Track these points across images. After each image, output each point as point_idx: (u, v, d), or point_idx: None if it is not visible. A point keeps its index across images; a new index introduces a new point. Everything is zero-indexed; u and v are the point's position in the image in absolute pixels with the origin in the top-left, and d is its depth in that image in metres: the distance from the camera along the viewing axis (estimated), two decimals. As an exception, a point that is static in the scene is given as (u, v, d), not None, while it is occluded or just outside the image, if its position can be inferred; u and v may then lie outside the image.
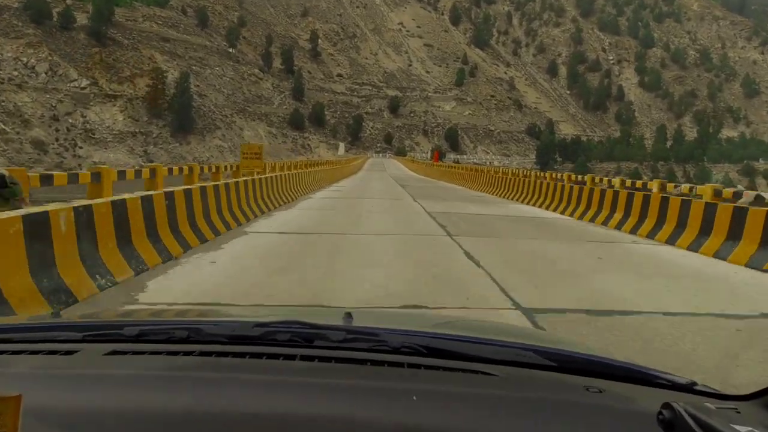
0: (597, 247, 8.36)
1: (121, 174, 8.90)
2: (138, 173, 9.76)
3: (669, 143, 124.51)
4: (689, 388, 0.88)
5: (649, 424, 0.64)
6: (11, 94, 64.57)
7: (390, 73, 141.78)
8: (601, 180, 17.13)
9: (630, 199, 10.43)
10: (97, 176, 7.27)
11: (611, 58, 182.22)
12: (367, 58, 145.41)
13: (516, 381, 0.86)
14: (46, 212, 4.16)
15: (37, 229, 4.01)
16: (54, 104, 67.04)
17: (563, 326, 4.16)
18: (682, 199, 9.10)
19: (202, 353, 0.91)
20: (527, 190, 16.86)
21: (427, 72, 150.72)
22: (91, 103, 71.54)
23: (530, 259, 7.16)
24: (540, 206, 15.01)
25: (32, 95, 66.07)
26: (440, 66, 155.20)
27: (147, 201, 5.82)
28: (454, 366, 0.89)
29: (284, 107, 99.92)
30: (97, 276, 4.64)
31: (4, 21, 73.89)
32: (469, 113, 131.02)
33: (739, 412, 0.65)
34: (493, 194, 20.42)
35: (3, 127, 59.84)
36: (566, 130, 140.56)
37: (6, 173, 5.61)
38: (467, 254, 7.08)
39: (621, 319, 4.50)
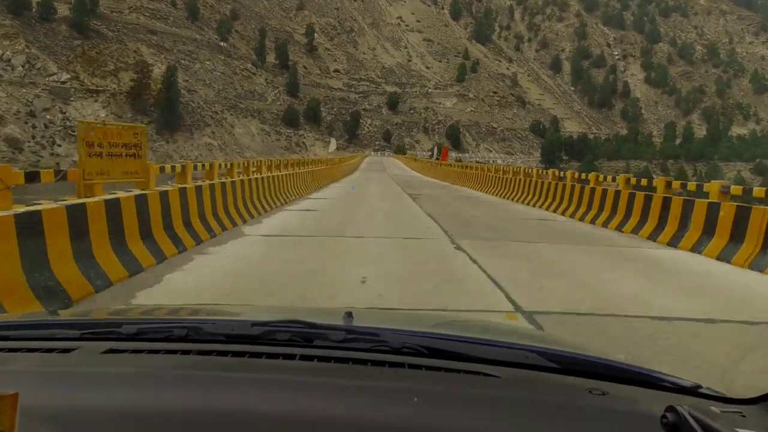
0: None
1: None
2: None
3: (678, 141, 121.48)
4: (694, 391, 0.88)
5: (652, 427, 0.64)
6: (-16, 89, 61.28)
7: (389, 69, 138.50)
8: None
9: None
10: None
11: (616, 53, 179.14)
12: (364, 53, 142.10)
13: (518, 383, 0.86)
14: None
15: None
16: (31, 99, 63.62)
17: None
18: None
19: (201, 352, 0.91)
20: (587, 202, 12.07)
21: (427, 67, 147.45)
22: (72, 99, 68.18)
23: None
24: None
25: (7, 90, 62.63)
26: (440, 61, 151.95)
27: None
28: (455, 367, 0.89)
29: (278, 103, 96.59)
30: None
31: (-22, 11, 70.60)
32: (471, 110, 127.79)
33: (744, 416, 0.65)
34: (550, 210, 13.71)
35: (-27, 123, 56.62)
36: (571, 127, 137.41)
37: None
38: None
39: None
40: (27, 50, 67.88)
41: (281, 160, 17.82)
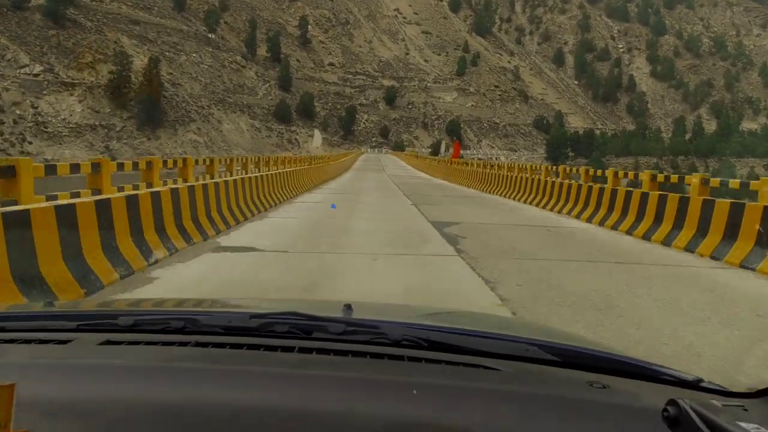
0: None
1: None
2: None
3: (688, 136, 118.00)
4: (695, 385, 0.88)
5: (654, 420, 0.64)
6: (-55, 81, 57.20)
7: (386, 62, 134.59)
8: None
9: None
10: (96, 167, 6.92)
11: (621, 46, 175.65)
12: (360, 46, 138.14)
13: (519, 376, 0.87)
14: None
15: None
16: (-2, 93, 59.43)
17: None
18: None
19: (198, 344, 0.91)
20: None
21: (426, 61, 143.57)
22: (45, 92, 64.05)
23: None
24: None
25: (-28, 82, 58.58)
26: (440, 55, 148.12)
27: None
28: (455, 360, 0.89)
29: (269, 98, 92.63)
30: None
31: (-57, -2, 66.50)
32: (472, 105, 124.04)
33: (746, 410, 0.65)
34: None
35: (-68, 118, 52.59)
36: (575, 122, 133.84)
37: None
38: None
39: None
40: (-5, 40, 63.73)
41: (247, 158, 13.78)
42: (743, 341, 3.81)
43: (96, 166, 7.20)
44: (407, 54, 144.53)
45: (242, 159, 14.22)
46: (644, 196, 9.08)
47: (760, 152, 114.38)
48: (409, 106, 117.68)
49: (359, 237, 8.18)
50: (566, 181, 13.32)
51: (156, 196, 6.37)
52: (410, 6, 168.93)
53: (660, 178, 9.97)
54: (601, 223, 10.26)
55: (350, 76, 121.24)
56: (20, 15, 71.14)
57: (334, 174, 26.76)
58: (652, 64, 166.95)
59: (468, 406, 0.73)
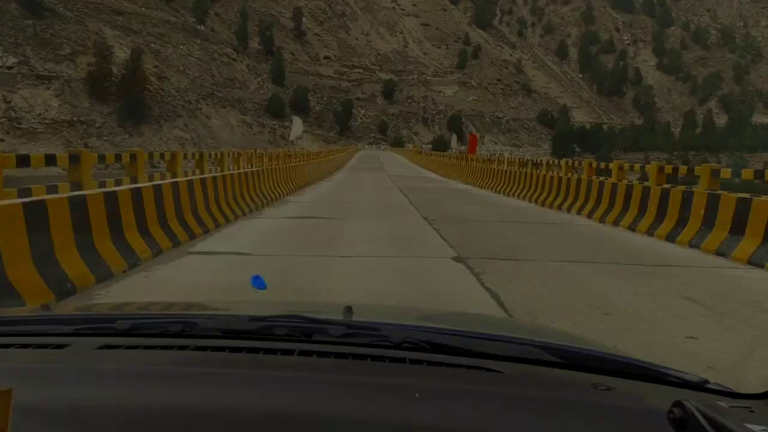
0: None
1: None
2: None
3: (698, 130, 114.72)
4: (701, 386, 0.87)
5: (659, 422, 0.64)
6: None
7: (384, 55, 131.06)
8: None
9: None
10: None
11: (626, 38, 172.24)
12: (357, 39, 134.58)
13: (522, 378, 0.86)
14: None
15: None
16: (-34, 87, 55.90)
17: None
18: None
19: (198, 348, 0.90)
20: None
21: (425, 54, 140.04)
22: (18, 86, 60.48)
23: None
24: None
25: (-63, 75, 55.06)
26: (439, 47, 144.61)
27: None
28: (457, 362, 0.88)
29: (261, 92, 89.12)
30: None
31: None
32: (474, 99, 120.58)
33: (752, 411, 0.65)
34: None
35: None
36: (580, 117, 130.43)
37: None
38: None
39: None
40: (-37, 30, 60.15)
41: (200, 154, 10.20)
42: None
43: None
44: (406, 47, 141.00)
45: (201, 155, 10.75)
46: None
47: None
48: (408, 101, 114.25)
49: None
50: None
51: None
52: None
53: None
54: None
55: (347, 69, 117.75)
56: (-6, 4, 67.56)
57: (318, 176, 20.63)
58: (659, 57, 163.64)
59: (471, 409, 0.73)
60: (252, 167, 12.74)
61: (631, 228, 9.03)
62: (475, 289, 5.02)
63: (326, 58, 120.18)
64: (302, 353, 0.88)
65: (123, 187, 6.25)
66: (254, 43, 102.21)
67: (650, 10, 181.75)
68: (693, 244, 7.40)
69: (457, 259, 6.36)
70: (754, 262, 6.47)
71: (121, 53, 69.97)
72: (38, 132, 57.48)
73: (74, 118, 60.42)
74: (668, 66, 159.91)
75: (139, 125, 64.12)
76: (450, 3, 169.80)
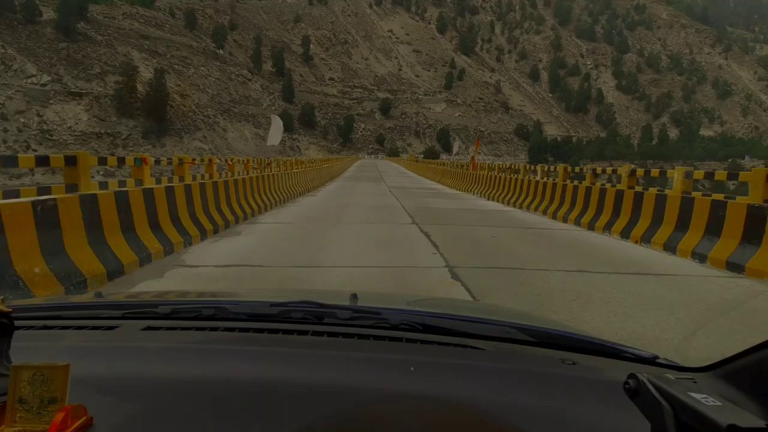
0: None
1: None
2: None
3: (654, 142, 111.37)
4: (652, 361, 0.88)
5: (616, 392, 0.65)
6: (-54, 90, 49.71)
7: (381, 77, 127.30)
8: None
9: None
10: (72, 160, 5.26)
11: (589, 63, 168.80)
12: (358, 63, 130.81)
13: (501, 355, 0.87)
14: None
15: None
16: (2, 101, 51.72)
17: None
18: None
19: (226, 329, 0.91)
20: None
21: (417, 76, 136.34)
22: (51, 101, 56.43)
23: None
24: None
25: (-26, 92, 50.96)
26: (429, 70, 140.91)
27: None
28: (447, 341, 0.89)
29: (273, 108, 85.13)
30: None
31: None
32: (459, 114, 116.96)
33: (695, 382, 0.65)
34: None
35: (-71, 126, 45.27)
36: (550, 130, 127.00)
37: None
38: None
39: None
40: (1, 50, 56.00)
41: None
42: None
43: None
44: (400, 70, 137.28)
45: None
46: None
47: (721, 156, 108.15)
48: (403, 116, 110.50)
49: None
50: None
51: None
52: (402, 28, 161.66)
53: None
54: None
55: (349, 89, 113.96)
56: (31, 28, 63.57)
57: (307, 187, 15.17)
58: (617, 79, 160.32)
59: (457, 381, 0.73)
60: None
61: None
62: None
63: (331, 79, 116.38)
64: (315, 333, 0.89)
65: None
66: (267, 66, 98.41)
67: (610, 39, 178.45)
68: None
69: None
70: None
71: (147, 73, 66.09)
72: (68, 143, 53.55)
73: (102, 131, 56.52)
74: (626, 87, 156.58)
75: (161, 137, 60.22)
76: (438, 33, 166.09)
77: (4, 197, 4.24)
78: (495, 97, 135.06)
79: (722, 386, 0.65)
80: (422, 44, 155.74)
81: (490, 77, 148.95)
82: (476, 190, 15.95)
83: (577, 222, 8.67)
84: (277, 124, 12.80)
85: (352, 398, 0.67)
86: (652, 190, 7.37)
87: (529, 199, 11.27)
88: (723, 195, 6.35)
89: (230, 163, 10.55)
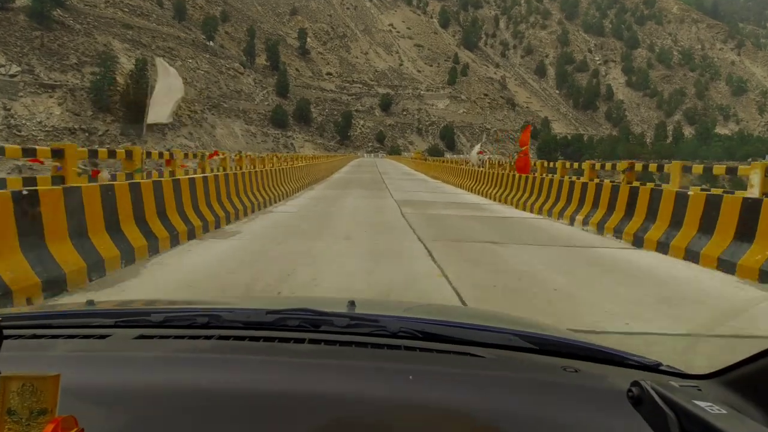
0: None
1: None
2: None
3: (668, 141, 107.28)
4: (655, 369, 0.87)
5: (619, 400, 0.64)
6: None
7: (381, 72, 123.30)
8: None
9: None
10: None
11: (598, 58, 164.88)
12: (357, 57, 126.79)
13: (501, 362, 0.86)
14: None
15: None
16: (-38, 94, 47.61)
17: None
18: None
19: (221, 337, 0.90)
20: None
21: (419, 71, 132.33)
22: (20, 94, 52.23)
23: None
24: None
25: (-68, 82, 46.80)
26: (431, 65, 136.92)
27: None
28: (446, 349, 0.88)
29: (266, 104, 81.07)
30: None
31: None
32: (464, 111, 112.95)
33: (700, 390, 0.65)
34: None
35: None
36: (558, 128, 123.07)
37: None
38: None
39: None
40: (-37, 38, 51.93)
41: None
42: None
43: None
44: (401, 65, 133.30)
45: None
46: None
47: (740, 155, 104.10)
48: (404, 113, 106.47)
49: None
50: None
51: None
52: (403, 22, 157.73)
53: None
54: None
55: (347, 84, 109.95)
56: (2, 15, 59.43)
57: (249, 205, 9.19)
58: (627, 75, 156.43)
59: (457, 390, 0.72)
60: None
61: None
62: None
63: (328, 74, 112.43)
64: (312, 341, 0.88)
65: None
66: (261, 60, 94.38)
67: (619, 34, 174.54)
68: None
69: None
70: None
71: (129, 65, 62.02)
72: (38, 139, 49.45)
73: (76, 126, 52.44)
74: (636, 83, 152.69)
75: (142, 133, 56.07)
76: (440, 27, 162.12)
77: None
78: (500, 93, 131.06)
79: (727, 394, 0.63)
80: (424, 39, 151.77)
81: (495, 73, 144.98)
82: (562, 210, 9.42)
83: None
84: (166, 82, 7.79)
85: (349, 407, 0.66)
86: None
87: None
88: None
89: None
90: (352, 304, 1.09)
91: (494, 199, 13.08)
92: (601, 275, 4.88)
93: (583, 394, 0.74)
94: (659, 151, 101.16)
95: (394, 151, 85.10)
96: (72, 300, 3.62)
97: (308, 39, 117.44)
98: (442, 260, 5.16)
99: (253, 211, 9.16)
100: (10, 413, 0.53)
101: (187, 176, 7.27)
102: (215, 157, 10.57)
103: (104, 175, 6.74)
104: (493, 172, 14.89)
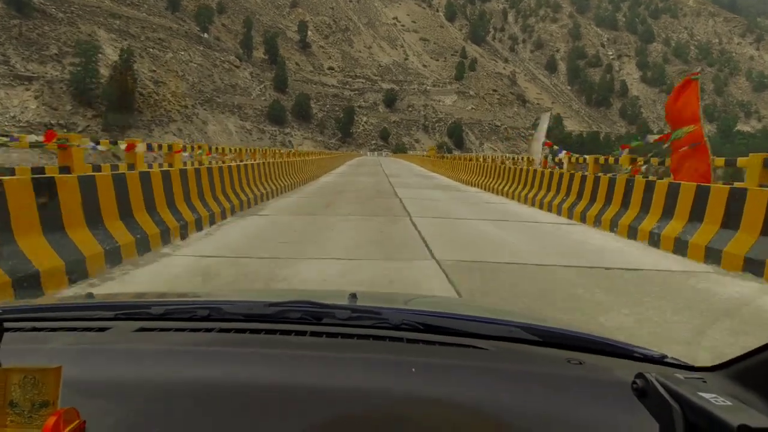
0: None
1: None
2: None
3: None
4: (660, 361, 0.87)
5: (624, 392, 0.64)
6: None
7: (385, 67, 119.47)
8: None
9: None
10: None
11: (611, 53, 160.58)
12: (360, 51, 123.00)
13: (505, 355, 0.86)
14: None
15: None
16: (-74, 85, 44.02)
17: None
18: None
19: (222, 330, 0.91)
20: None
21: (425, 66, 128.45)
22: (-8, 86, 48.56)
23: None
24: None
25: None
26: (438, 60, 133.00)
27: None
28: (449, 341, 0.88)
29: (263, 99, 77.36)
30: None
31: None
32: (472, 107, 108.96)
33: (705, 382, 0.66)
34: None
35: None
36: (571, 126, 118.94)
37: None
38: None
39: None
40: (-69, 25, 48.40)
41: None
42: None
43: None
44: (406, 59, 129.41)
45: None
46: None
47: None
48: (409, 109, 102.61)
49: None
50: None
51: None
52: (408, 15, 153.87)
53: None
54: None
55: (350, 79, 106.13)
56: (-24, 2, 55.95)
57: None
58: (642, 70, 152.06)
59: (460, 383, 0.73)
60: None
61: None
62: None
63: (330, 68, 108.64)
64: (313, 334, 0.89)
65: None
66: (259, 53, 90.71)
67: (632, 28, 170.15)
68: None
69: None
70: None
71: (114, 56, 58.43)
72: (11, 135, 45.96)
73: (53, 122, 48.82)
74: (652, 79, 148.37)
75: (127, 130, 52.43)
76: (447, 21, 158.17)
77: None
78: (510, 89, 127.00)
79: (732, 386, 0.64)
80: (430, 32, 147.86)
81: (504, 68, 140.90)
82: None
83: None
84: None
85: (352, 400, 0.67)
86: None
87: None
88: None
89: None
90: (353, 296, 1.09)
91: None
92: None
93: (587, 386, 0.75)
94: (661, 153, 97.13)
95: (400, 149, 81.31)
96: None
97: (309, 32, 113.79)
98: None
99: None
100: (12, 405, 0.54)
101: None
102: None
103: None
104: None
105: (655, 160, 9.78)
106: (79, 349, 0.82)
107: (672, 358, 0.88)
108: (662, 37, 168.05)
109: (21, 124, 47.45)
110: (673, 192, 6.41)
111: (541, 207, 10.31)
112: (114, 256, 4.49)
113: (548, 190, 10.56)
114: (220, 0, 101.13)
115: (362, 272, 4.45)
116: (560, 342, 0.91)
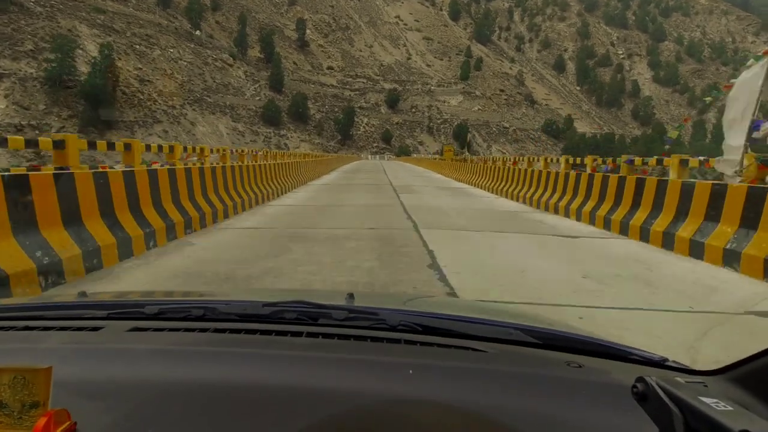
0: None
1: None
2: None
3: (708, 140, 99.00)
4: (661, 364, 0.87)
5: (624, 396, 0.64)
6: None
7: (387, 66, 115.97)
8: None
9: None
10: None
11: (621, 52, 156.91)
12: (361, 51, 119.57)
13: (503, 357, 0.85)
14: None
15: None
16: None
17: None
18: None
19: (216, 330, 0.90)
20: None
21: (428, 65, 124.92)
22: (-42, 84, 44.90)
23: None
24: None
25: None
26: (442, 59, 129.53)
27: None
28: (447, 343, 0.88)
29: (258, 99, 73.66)
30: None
31: None
32: (479, 108, 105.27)
33: (706, 386, 0.65)
34: None
35: None
36: (581, 127, 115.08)
37: None
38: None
39: None
40: None
41: None
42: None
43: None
44: (409, 59, 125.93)
45: None
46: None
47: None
48: (413, 110, 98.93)
49: None
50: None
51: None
52: (411, 14, 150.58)
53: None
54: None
55: (350, 79, 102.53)
56: (-55, -5, 52.49)
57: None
58: (654, 70, 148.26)
59: (458, 385, 0.72)
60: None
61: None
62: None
63: (329, 68, 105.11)
64: (309, 335, 0.88)
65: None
66: (255, 52, 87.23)
67: (643, 26, 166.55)
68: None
69: None
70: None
71: (96, 53, 54.84)
72: (-23, 138, 42.31)
73: (24, 123, 45.19)
74: (664, 78, 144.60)
75: (106, 131, 48.71)
76: (451, 19, 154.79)
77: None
78: (518, 89, 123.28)
79: (734, 390, 0.63)
80: (433, 31, 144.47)
81: (510, 68, 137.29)
82: None
83: None
84: None
85: (348, 402, 0.67)
86: None
87: None
88: None
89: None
90: (350, 296, 1.09)
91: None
92: None
93: (586, 389, 0.74)
94: (700, 150, 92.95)
95: (403, 152, 77.58)
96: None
97: (308, 31, 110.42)
98: None
99: None
100: (2, 406, 0.53)
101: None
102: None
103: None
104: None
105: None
106: (71, 349, 0.82)
107: (673, 361, 0.88)
108: (674, 35, 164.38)
109: (-12, 126, 43.76)
110: None
111: None
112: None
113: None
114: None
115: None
116: (559, 344, 0.91)
